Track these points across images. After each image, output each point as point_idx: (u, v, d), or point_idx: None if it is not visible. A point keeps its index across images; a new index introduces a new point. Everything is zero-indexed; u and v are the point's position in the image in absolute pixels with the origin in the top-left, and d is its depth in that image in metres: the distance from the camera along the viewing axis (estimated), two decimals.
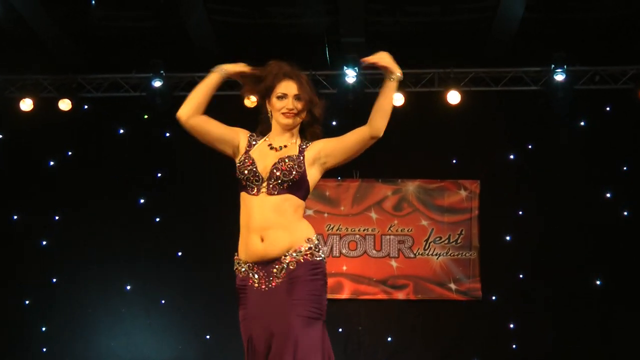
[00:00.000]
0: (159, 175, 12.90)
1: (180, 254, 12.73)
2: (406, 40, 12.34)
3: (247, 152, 4.42)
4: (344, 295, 12.54)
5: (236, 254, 4.39)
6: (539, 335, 12.31)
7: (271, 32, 12.36)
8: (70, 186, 12.73)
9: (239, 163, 4.40)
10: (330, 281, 12.33)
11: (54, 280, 12.69)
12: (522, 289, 12.50)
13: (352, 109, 11.87)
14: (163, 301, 12.64)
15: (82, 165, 12.82)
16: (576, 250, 12.44)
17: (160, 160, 12.84)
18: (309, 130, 4.53)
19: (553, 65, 11.54)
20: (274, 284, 4.19)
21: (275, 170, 4.30)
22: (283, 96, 4.39)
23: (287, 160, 4.33)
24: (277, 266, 4.20)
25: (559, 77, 11.52)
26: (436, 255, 12.65)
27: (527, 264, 12.55)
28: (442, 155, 12.75)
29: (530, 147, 12.75)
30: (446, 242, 12.65)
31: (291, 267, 4.22)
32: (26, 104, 11.88)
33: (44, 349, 12.53)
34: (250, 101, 11.69)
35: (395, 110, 11.46)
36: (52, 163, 12.91)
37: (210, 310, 12.22)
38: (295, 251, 4.25)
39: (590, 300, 12.39)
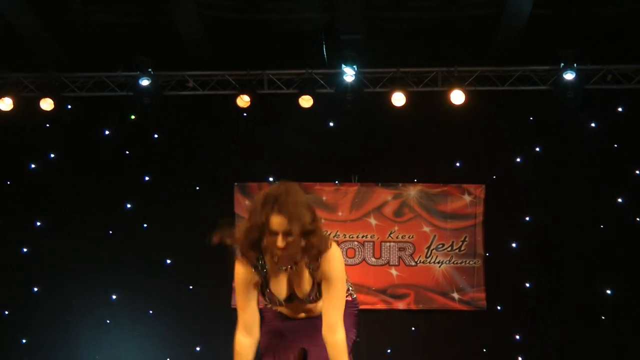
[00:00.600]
0: (147, 179, 12.67)
1: (168, 261, 12.54)
2: (408, 37, 12.21)
3: (262, 286, 4.61)
4: None
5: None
6: (546, 348, 12.13)
7: (265, 28, 12.22)
8: (53, 190, 12.57)
9: (262, 296, 4.66)
10: None
11: (35, 289, 12.50)
12: (528, 299, 12.32)
13: (351, 108, 11.78)
14: (150, 311, 12.42)
15: (65, 169, 12.66)
16: (586, 257, 12.27)
17: (148, 163, 12.66)
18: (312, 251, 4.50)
19: (562, 64, 11.35)
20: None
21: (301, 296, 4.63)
22: (274, 232, 4.32)
23: (310, 294, 4.61)
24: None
25: (569, 75, 11.33)
26: (438, 263, 12.45)
27: (534, 272, 12.38)
28: (446, 158, 12.59)
29: (538, 149, 12.58)
30: (449, 249, 12.46)
31: None
32: (5, 104, 11.62)
33: None
34: (243, 100, 11.69)
35: (397, 110, 11.46)
36: (33, 166, 12.73)
37: (201, 321, 12.05)
38: None
39: (600, 310, 12.27)
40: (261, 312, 4.70)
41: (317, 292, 4.57)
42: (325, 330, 4.54)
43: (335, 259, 4.52)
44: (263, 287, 4.57)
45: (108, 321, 12.37)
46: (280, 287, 4.57)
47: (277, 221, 4.27)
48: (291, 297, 4.60)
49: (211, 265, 11.92)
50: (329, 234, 11.94)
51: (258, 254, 4.48)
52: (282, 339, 4.76)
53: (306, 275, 4.58)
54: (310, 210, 4.36)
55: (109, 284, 12.35)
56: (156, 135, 12.54)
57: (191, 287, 12.39)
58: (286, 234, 4.30)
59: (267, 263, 4.53)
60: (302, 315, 4.77)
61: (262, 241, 4.38)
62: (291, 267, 4.53)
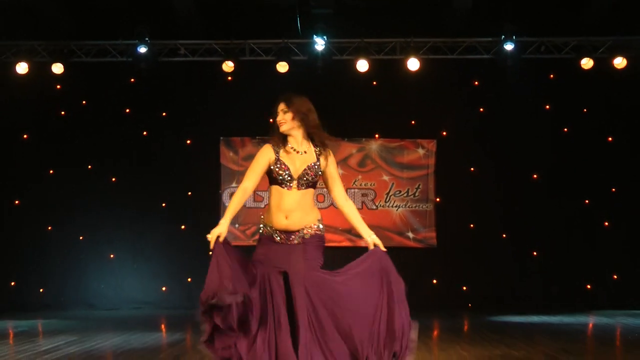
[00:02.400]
0: (145, 134, 13.19)
1: (163, 205, 13.09)
2: (370, 12, 12.63)
3: (277, 159, 5.62)
4: None
5: (263, 218, 5.70)
6: (487, 278, 12.83)
7: (248, 3, 12.61)
8: (64, 143, 13.08)
9: (276, 167, 5.61)
10: None
11: (49, 228, 13.02)
12: (472, 237, 12.98)
13: (321, 73, 12.21)
14: (148, 248, 13.03)
15: (74, 125, 13.14)
16: (518, 199, 12.98)
17: (145, 120, 13.14)
18: (316, 137, 5.70)
19: (503, 36, 11.91)
20: (293, 243, 5.57)
21: (305, 175, 5.60)
22: (277, 114, 5.61)
23: (313, 168, 5.62)
24: (294, 234, 5.57)
25: (509, 46, 11.90)
26: (396, 207, 13.17)
27: (477, 214, 13.06)
28: (403, 117, 13.16)
29: (481, 110, 13.18)
30: (405, 195, 13.15)
31: (306, 236, 5.60)
32: (21, 68, 12.16)
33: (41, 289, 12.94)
34: (228, 66, 12.23)
35: (361, 76, 12.34)
36: (64, 113, 13.18)
37: (191, 256, 12.51)
38: (309, 227, 5.61)
39: (529, 245, 12.98)
40: (259, 237, 5.63)
41: (317, 176, 5.61)
42: (341, 200, 5.73)
43: (335, 160, 5.73)
44: (277, 162, 5.57)
45: (112, 256, 13.03)
46: (295, 167, 5.58)
47: (280, 106, 5.59)
48: (301, 177, 5.56)
49: (200, 209, 12.86)
50: None
51: (280, 141, 5.63)
52: (267, 265, 5.48)
53: (313, 158, 5.62)
54: (309, 107, 5.66)
55: (112, 224, 12.92)
56: (151, 97, 13.00)
57: (183, 227, 13.02)
58: (284, 112, 5.56)
59: (281, 150, 5.61)
60: (292, 238, 5.52)
61: (276, 125, 5.61)
62: (304, 152, 5.64)
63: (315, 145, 5.70)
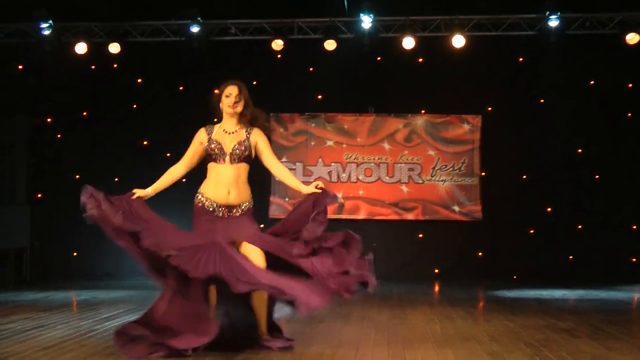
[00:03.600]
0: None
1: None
2: None
3: (209, 139, 6.15)
4: (361, 216, 13.14)
5: (202, 193, 6.09)
6: (532, 251, 12.80)
7: None
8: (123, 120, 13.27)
9: (208, 144, 6.12)
10: (348, 204, 13.06)
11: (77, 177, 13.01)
12: (516, 211, 12.90)
13: (368, 51, 12.22)
14: None
15: (129, 98, 13.36)
16: (565, 174, 12.91)
17: (199, 97, 12.91)
18: (249, 119, 6.26)
19: (547, 12, 11.77)
20: (234, 216, 6.03)
21: (236, 150, 6.09)
22: (228, 95, 6.20)
23: (243, 144, 6.13)
24: (236, 208, 6.04)
25: (553, 23, 11.77)
26: (442, 181, 13.14)
27: (523, 189, 12.99)
28: (448, 93, 13.10)
29: (526, 85, 13.01)
30: (451, 169, 13.12)
31: (243, 211, 6.07)
32: (81, 48, 12.36)
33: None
34: (277, 44, 12.26)
35: (407, 53, 12.33)
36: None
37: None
38: (246, 203, 6.10)
39: (576, 220, 12.90)
40: (197, 210, 6.06)
41: (248, 151, 6.10)
42: (274, 167, 6.21)
43: (263, 134, 6.26)
44: (210, 141, 6.08)
45: (184, 180, 12.99)
46: (226, 141, 6.09)
47: (233, 90, 6.18)
48: (233, 154, 6.05)
49: (251, 184, 12.89)
50: (350, 157, 12.88)
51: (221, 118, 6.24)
52: (220, 233, 5.88)
53: (242, 136, 6.14)
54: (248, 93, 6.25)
55: (167, 198, 12.99)
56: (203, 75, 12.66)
57: None
58: (237, 96, 6.14)
59: (214, 132, 6.15)
60: (235, 211, 6.00)
61: (220, 107, 6.20)
62: (234, 131, 6.16)
63: (244, 127, 6.21)
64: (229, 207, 6.03)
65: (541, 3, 11.84)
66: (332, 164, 13.24)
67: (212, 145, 6.08)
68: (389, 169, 13.16)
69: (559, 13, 11.75)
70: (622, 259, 12.75)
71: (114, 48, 12.34)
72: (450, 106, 13.16)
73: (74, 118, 13.34)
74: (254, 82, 12.54)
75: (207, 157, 6.16)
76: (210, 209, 6.02)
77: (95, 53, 12.51)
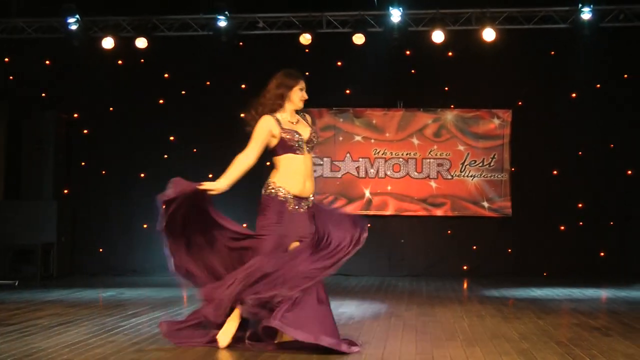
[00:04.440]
0: (224, 102, 13.02)
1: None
2: None
3: (283, 128, 5.95)
4: (389, 212, 13.07)
5: (275, 182, 5.90)
6: (562, 248, 12.72)
7: None
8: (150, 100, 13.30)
9: (285, 134, 5.93)
10: (376, 200, 13.00)
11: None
12: (548, 207, 12.82)
13: (397, 45, 12.19)
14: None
15: (157, 92, 13.39)
16: (597, 170, 12.80)
17: (226, 90, 13.00)
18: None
19: (580, 4, 11.58)
20: (300, 210, 5.92)
21: (312, 139, 6.07)
22: (303, 89, 6.10)
23: (314, 131, 6.12)
24: (305, 200, 5.96)
25: (586, 15, 11.57)
26: (471, 176, 13.02)
27: (554, 185, 12.88)
28: (478, 87, 12.96)
29: (558, 80, 12.84)
30: (480, 165, 12.99)
31: (309, 206, 5.99)
32: (108, 42, 12.36)
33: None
34: (305, 38, 12.19)
35: (436, 46, 12.19)
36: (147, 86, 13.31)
37: None
38: (312, 195, 6.06)
39: (607, 215, 12.77)
40: (269, 201, 5.88)
41: (318, 137, 6.22)
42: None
43: None
44: (285, 131, 5.92)
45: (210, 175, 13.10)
46: (301, 130, 6.02)
47: (301, 85, 6.08)
48: (309, 142, 6.02)
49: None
50: (379, 152, 12.83)
51: (278, 108, 6.02)
52: (289, 227, 5.84)
53: (308, 124, 6.13)
54: None
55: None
56: (231, 69, 13.02)
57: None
58: (302, 89, 6.06)
59: (282, 121, 5.98)
60: (303, 204, 5.92)
61: (287, 97, 6.01)
62: (298, 120, 6.08)
63: (303, 117, 6.17)
64: (300, 199, 5.92)
65: None
66: (360, 159, 13.17)
67: (295, 137, 5.95)
68: (417, 164, 13.07)
69: (592, 5, 11.53)
70: None
71: (142, 43, 12.31)
72: (480, 101, 13.04)
73: (101, 113, 13.36)
74: None
75: (278, 149, 5.96)
76: (283, 199, 5.86)
77: (123, 48, 12.52)
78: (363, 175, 13.11)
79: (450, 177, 13.01)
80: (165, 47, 12.82)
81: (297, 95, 6.04)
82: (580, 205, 12.85)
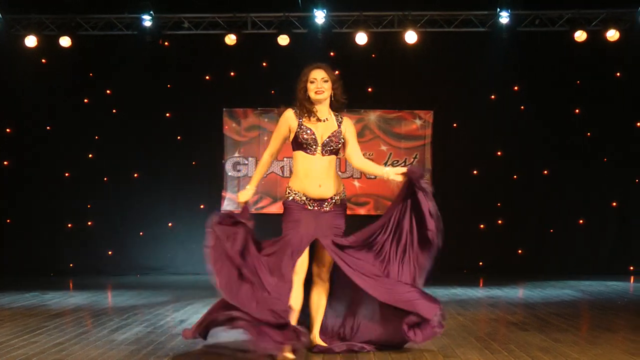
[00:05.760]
0: (155, 104, 13.09)
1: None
2: None
3: (300, 124, 5.85)
4: None
5: (291, 186, 5.90)
6: (483, 247, 12.94)
7: None
8: (81, 103, 13.02)
9: (300, 130, 5.83)
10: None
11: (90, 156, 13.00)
12: (468, 204, 12.96)
13: (321, 46, 12.15)
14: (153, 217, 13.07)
15: (85, 92, 13.14)
16: (514, 172, 13.03)
17: (154, 91, 12.95)
18: (338, 106, 6.01)
19: (499, 9, 11.87)
20: (323, 210, 5.83)
21: (329, 142, 5.82)
22: (311, 81, 5.89)
23: (336, 135, 5.85)
24: (327, 201, 5.85)
25: (504, 19, 11.89)
26: None
27: (474, 185, 13.08)
28: (401, 89, 13.05)
29: (477, 82, 12.90)
30: (403, 164, 13.02)
31: (337, 203, 5.89)
32: (30, 41, 12.14)
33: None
34: (230, 39, 12.18)
35: (360, 48, 12.26)
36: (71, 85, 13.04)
37: (195, 225, 12.21)
38: (338, 195, 5.89)
39: (529, 215, 12.99)
40: (288, 204, 5.88)
41: (340, 143, 5.89)
42: (355, 158, 5.99)
43: (353, 124, 6.04)
44: (301, 127, 5.83)
45: (135, 175, 13.02)
46: (318, 130, 5.84)
47: (320, 74, 5.89)
48: (325, 144, 5.83)
49: (204, 178, 12.88)
50: None
51: (305, 108, 5.88)
52: (307, 228, 5.79)
53: (334, 126, 5.88)
54: (339, 77, 5.98)
55: (121, 194, 12.96)
56: (156, 69, 12.86)
57: (186, 200, 12.98)
58: (325, 80, 5.85)
59: (304, 118, 5.87)
60: (325, 205, 5.84)
61: (308, 91, 5.87)
62: (326, 119, 5.88)
63: (336, 114, 5.96)
64: (320, 201, 5.85)
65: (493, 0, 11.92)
66: (285, 159, 13.17)
67: (305, 135, 5.85)
68: (341, 164, 13.06)
69: (509, 10, 11.83)
70: (564, 253, 12.94)
71: (65, 41, 12.14)
72: (402, 102, 13.14)
73: (25, 112, 13.00)
74: (207, 77, 13.01)
75: (293, 143, 5.95)
76: (301, 203, 5.85)
77: (47, 46, 12.31)
78: (287, 175, 13.11)
79: (373, 177, 13.03)
80: (90, 46, 12.64)
81: (310, 90, 5.92)
82: (499, 204, 13.07)
